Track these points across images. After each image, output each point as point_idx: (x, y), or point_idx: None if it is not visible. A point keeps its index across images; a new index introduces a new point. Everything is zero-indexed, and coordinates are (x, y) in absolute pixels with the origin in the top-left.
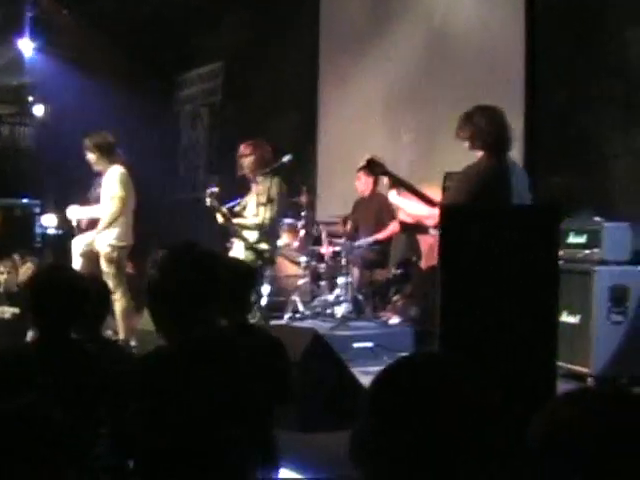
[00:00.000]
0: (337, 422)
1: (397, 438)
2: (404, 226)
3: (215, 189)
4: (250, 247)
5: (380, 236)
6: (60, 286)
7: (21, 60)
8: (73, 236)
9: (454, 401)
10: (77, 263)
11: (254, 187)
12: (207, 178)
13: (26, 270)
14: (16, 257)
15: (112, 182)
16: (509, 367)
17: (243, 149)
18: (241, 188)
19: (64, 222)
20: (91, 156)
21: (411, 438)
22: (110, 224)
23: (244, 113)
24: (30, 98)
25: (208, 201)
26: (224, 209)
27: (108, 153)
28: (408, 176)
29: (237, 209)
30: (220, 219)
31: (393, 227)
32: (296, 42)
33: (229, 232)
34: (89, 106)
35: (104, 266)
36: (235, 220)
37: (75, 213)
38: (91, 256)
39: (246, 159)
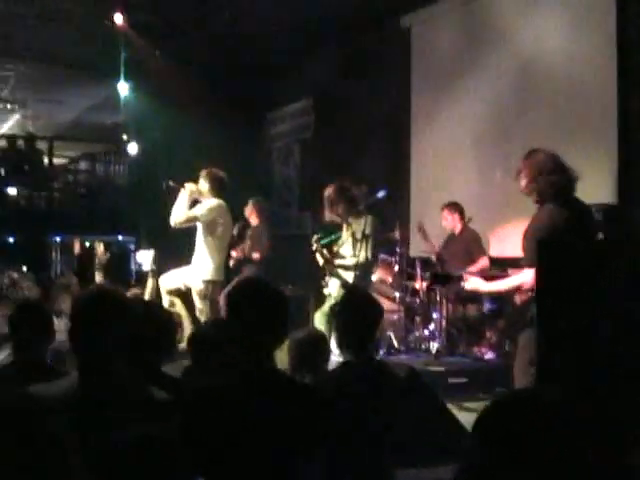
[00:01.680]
0: (433, 457)
1: (506, 473)
2: (495, 261)
3: (320, 236)
4: (345, 285)
5: (471, 270)
6: (151, 321)
7: (115, 99)
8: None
9: (558, 437)
10: (165, 300)
11: (347, 226)
12: (300, 215)
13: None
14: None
15: (203, 205)
16: (612, 404)
17: (330, 194)
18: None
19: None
20: (203, 184)
21: (519, 472)
22: (176, 222)
23: (336, 149)
24: (124, 136)
25: (315, 246)
26: (326, 252)
27: (219, 188)
28: (501, 213)
29: (335, 249)
30: (321, 261)
31: (483, 262)
32: (388, 77)
33: (326, 270)
34: (181, 144)
35: (198, 303)
36: (335, 262)
37: None
38: (181, 293)
39: (335, 207)
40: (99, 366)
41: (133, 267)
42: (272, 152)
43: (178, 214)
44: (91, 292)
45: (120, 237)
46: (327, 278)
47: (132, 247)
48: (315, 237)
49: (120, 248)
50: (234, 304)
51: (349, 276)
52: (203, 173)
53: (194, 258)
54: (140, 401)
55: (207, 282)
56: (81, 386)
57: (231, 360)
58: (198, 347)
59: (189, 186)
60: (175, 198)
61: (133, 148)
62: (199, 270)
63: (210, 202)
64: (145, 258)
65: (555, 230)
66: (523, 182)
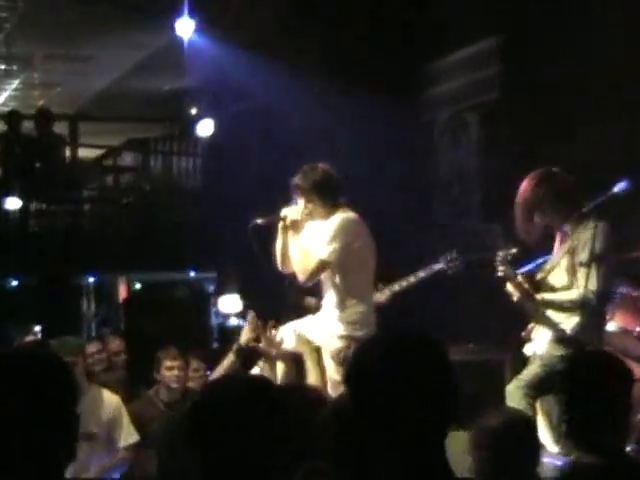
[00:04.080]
0: None
1: None
2: None
3: (512, 251)
4: (561, 338)
5: None
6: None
7: (177, 51)
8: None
9: None
10: (279, 369)
11: (560, 240)
12: (483, 228)
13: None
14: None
15: (322, 234)
16: None
17: (525, 186)
18: (544, 242)
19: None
20: (304, 203)
21: None
22: (306, 279)
23: (538, 119)
24: (193, 110)
25: (500, 270)
26: (520, 279)
27: (332, 197)
28: None
29: (539, 277)
30: (514, 294)
31: None
32: (619, 3)
33: (525, 314)
34: (287, 120)
35: (333, 370)
36: (539, 296)
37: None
38: (300, 357)
39: (539, 208)
40: None
41: (214, 322)
42: (434, 126)
43: (297, 266)
44: None
45: (193, 274)
46: (530, 328)
47: (212, 289)
48: (501, 255)
49: (193, 291)
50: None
51: (563, 319)
52: (295, 185)
53: (324, 303)
54: None
55: (346, 338)
56: None
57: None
58: None
59: (285, 213)
60: (273, 241)
61: (207, 128)
62: (332, 321)
63: (331, 225)
64: (232, 306)
65: None
66: None
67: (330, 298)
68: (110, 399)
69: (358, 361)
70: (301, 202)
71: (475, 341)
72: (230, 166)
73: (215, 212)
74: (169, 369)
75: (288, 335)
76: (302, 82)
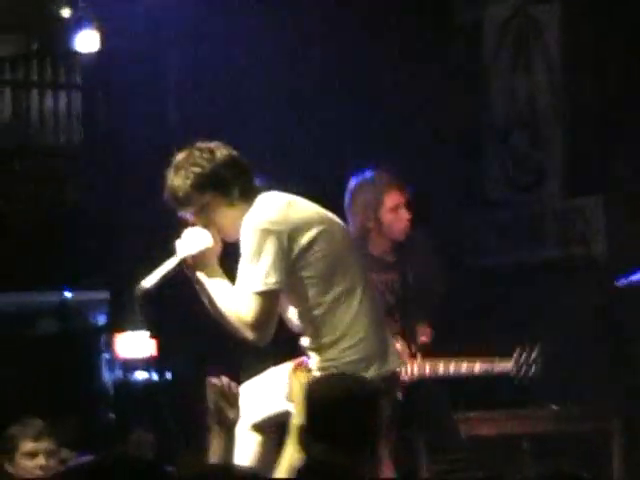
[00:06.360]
0: None
1: None
2: None
3: None
4: None
5: None
6: None
7: None
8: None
9: None
10: (249, 449)
11: None
12: (569, 205)
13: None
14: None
15: (247, 240)
16: None
17: None
18: None
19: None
20: (201, 217)
21: None
22: (256, 334)
23: None
24: (63, 13)
25: None
26: None
27: (240, 186)
28: None
29: None
30: None
31: None
32: None
33: None
34: (221, 32)
35: None
36: None
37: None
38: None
39: None
40: None
41: (108, 377)
42: (480, 34)
43: (236, 321)
44: None
45: (67, 295)
46: None
47: (102, 321)
48: None
49: (68, 325)
50: None
51: None
52: (172, 187)
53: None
54: None
55: None
56: None
57: None
58: None
59: (184, 252)
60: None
61: (89, 43)
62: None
63: (246, 230)
64: (138, 349)
65: None
66: None
67: (304, 338)
68: None
69: None
70: (195, 217)
71: (562, 402)
72: (131, 107)
73: (104, 189)
74: (29, 456)
75: (257, 398)
76: None
